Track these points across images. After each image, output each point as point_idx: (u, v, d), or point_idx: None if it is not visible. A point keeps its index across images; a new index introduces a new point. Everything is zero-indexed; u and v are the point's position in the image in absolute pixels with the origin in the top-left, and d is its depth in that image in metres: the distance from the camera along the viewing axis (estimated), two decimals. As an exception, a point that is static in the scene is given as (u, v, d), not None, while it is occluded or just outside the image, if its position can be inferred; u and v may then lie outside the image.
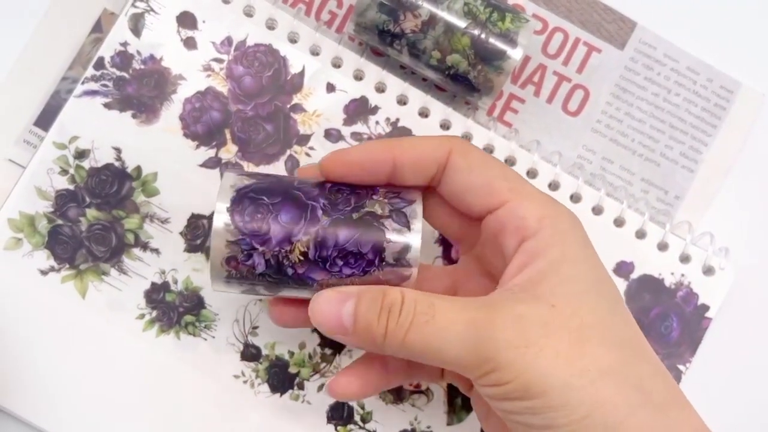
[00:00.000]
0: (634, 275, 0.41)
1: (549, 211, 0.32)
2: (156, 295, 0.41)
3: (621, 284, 0.41)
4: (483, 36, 0.38)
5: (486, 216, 0.33)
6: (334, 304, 0.32)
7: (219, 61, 0.41)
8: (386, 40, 0.40)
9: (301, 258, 0.32)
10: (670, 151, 0.43)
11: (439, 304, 0.31)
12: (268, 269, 0.33)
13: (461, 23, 0.38)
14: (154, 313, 0.40)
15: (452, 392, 0.41)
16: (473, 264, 0.37)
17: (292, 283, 0.33)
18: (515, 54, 0.39)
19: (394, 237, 0.32)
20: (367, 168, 0.33)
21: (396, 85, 0.42)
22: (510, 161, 0.42)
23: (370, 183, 0.34)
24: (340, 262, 0.32)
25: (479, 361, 0.30)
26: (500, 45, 0.39)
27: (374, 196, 0.33)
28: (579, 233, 0.33)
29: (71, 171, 0.41)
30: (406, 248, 0.32)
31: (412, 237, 0.33)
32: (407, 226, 0.32)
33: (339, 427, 0.41)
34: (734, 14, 0.44)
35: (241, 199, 0.33)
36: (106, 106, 0.41)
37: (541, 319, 0.30)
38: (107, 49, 0.41)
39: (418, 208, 0.33)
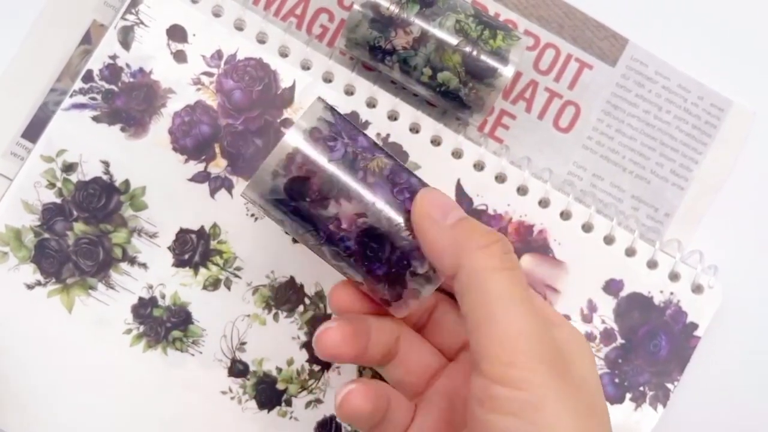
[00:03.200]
0: (623, 293, 0.41)
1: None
2: (143, 310, 0.40)
3: (610, 302, 0.41)
4: (474, 53, 0.38)
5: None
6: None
7: (209, 74, 0.41)
8: (377, 56, 0.39)
9: (377, 169, 0.33)
10: (660, 169, 0.44)
11: None
12: (343, 159, 0.32)
13: (453, 40, 0.38)
14: (142, 328, 0.40)
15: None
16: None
17: (350, 192, 0.32)
18: (506, 72, 0.39)
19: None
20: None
21: (387, 100, 0.42)
22: (500, 178, 0.42)
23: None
24: (407, 195, 0.33)
25: None
26: (491, 63, 0.38)
27: None
28: None
29: (58, 184, 0.40)
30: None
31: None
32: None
33: (327, 444, 0.41)
34: (726, 32, 0.45)
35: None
36: (95, 119, 0.40)
37: None
38: (96, 62, 0.41)
39: None
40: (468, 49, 0.38)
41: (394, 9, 0.38)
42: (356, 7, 0.38)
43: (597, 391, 0.32)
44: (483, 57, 0.38)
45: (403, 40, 0.38)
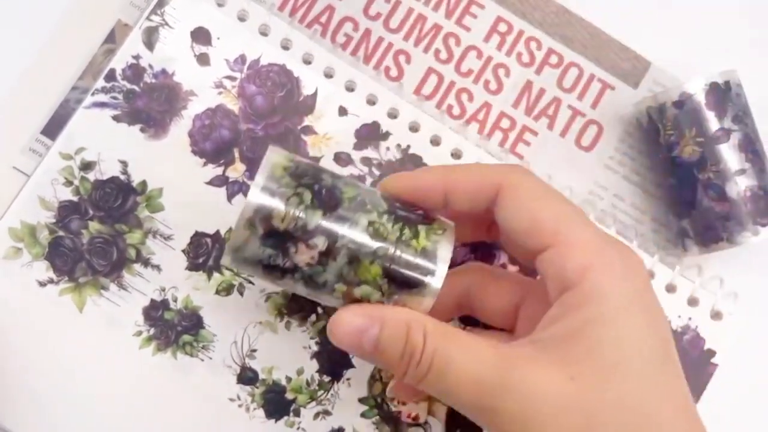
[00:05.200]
0: (641, 316, 0.41)
1: (595, 260, 0.30)
2: (155, 312, 0.40)
3: (627, 324, 0.41)
4: (396, 261, 0.32)
5: (535, 257, 0.31)
6: (356, 325, 0.31)
7: (231, 78, 0.41)
8: (276, 274, 0.32)
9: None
10: (681, 192, 0.43)
11: (456, 359, 0.30)
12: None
13: (368, 248, 0.32)
14: (152, 331, 0.40)
15: (450, 425, 0.40)
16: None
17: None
18: (435, 281, 0.32)
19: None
20: (421, 194, 0.33)
21: (408, 111, 0.41)
22: (520, 194, 0.41)
23: (426, 207, 0.34)
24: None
25: (483, 418, 0.30)
26: (418, 267, 0.32)
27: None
28: (628, 287, 0.30)
29: (76, 182, 0.40)
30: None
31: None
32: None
33: (334, 457, 0.40)
34: (747, 59, 0.44)
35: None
36: (115, 118, 0.40)
37: (552, 397, 0.29)
38: (119, 62, 0.40)
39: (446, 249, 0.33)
40: (389, 254, 0.32)
41: (289, 221, 0.31)
42: (238, 223, 0.31)
43: None
44: (407, 261, 0.32)
45: (307, 255, 0.32)
